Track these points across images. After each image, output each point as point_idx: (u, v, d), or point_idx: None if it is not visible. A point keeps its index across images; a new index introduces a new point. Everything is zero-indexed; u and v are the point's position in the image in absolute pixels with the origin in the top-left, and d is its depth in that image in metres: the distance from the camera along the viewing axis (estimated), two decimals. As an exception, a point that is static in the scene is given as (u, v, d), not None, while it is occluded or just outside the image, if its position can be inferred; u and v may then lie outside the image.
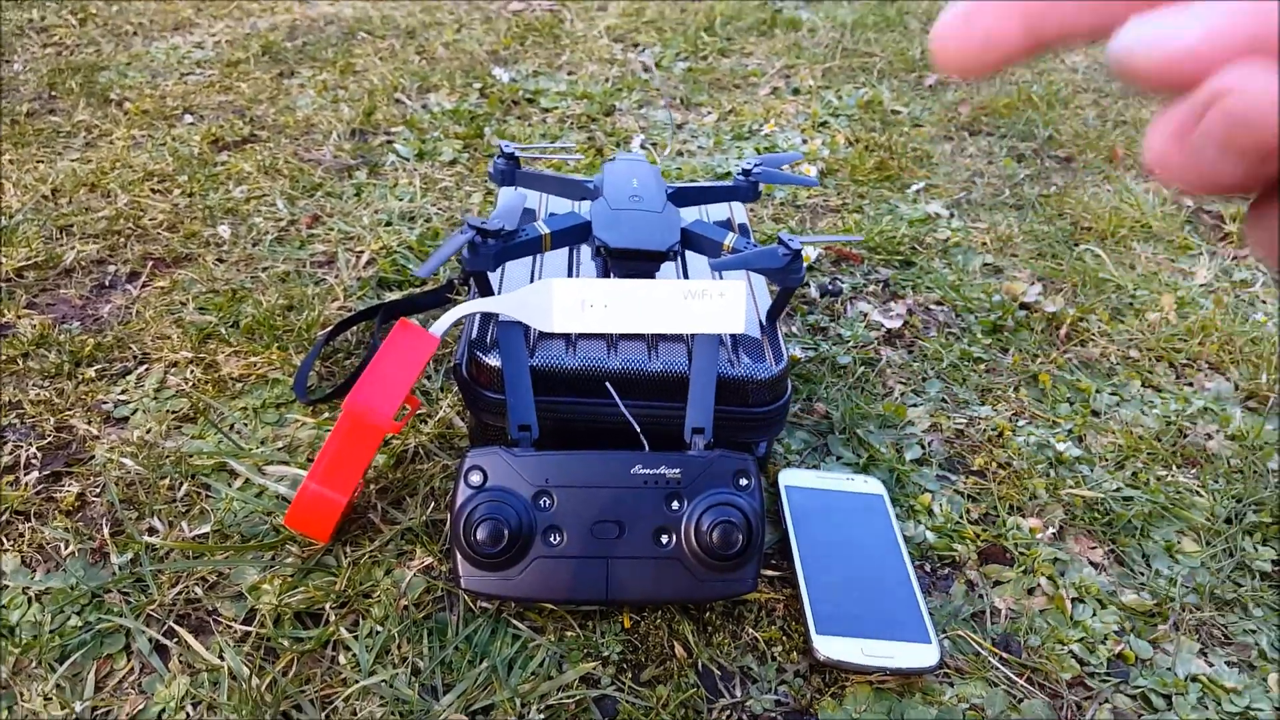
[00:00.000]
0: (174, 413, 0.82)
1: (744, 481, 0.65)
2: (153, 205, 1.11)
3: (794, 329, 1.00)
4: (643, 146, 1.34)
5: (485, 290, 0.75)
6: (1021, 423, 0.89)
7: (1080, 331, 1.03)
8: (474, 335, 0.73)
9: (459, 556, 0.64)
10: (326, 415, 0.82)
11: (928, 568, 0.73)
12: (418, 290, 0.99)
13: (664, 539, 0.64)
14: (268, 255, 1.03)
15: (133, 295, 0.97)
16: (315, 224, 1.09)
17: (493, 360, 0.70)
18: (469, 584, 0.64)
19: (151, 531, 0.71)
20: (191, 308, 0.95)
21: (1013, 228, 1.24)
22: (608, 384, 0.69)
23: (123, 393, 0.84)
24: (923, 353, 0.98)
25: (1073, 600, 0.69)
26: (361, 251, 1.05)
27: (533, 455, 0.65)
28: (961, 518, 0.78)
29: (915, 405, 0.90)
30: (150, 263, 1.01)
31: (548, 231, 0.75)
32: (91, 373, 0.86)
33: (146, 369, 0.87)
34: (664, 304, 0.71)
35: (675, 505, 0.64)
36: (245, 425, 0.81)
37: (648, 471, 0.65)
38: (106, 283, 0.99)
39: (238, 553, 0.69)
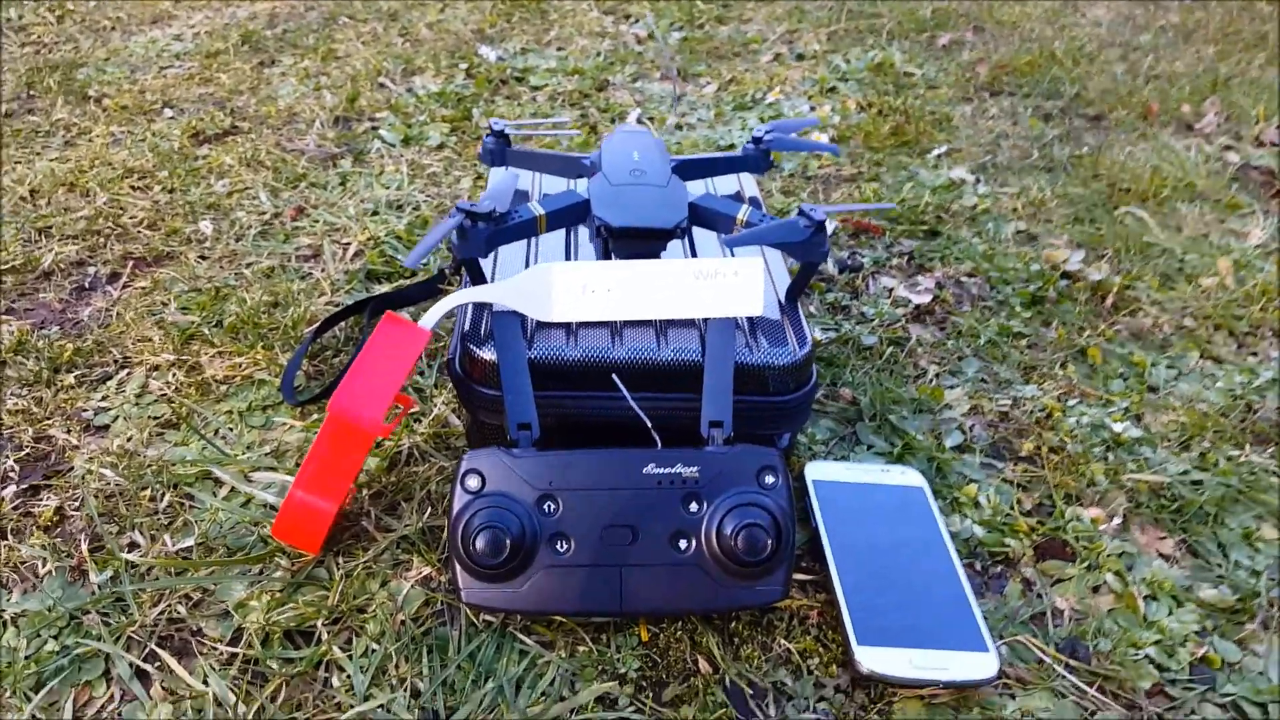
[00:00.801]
0: (156, 419, 0.76)
1: (769, 479, 0.59)
2: (133, 203, 1.05)
3: (812, 309, 0.93)
4: (640, 121, 1.27)
5: (477, 278, 0.69)
6: (1072, 402, 0.82)
7: (1128, 300, 0.96)
8: (466, 327, 0.67)
9: (458, 568, 0.57)
10: (315, 417, 0.76)
11: (978, 566, 0.67)
12: (408, 282, 0.92)
13: (682, 544, 0.58)
14: (251, 250, 0.97)
15: (113, 297, 0.91)
16: (300, 216, 1.03)
17: (487, 354, 0.64)
18: (470, 597, 0.57)
19: (132, 546, 0.65)
20: (173, 307, 0.89)
21: (1045, 192, 1.17)
22: (614, 376, 0.62)
23: (103, 399, 0.79)
24: (956, 329, 0.91)
25: (1144, 598, 0.63)
26: (348, 243, 0.98)
27: (534, 456, 0.59)
28: (1013, 509, 0.71)
29: (952, 387, 0.83)
30: (130, 262, 0.96)
31: (543, 212, 0.69)
32: (71, 379, 0.80)
33: (128, 373, 0.81)
34: (673, 286, 0.64)
35: (694, 507, 0.58)
36: (230, 430, 0.75)
37: (662, 471, 0.58)
38: (86, 284, 0.93)
39: (223, 567, 0.63)
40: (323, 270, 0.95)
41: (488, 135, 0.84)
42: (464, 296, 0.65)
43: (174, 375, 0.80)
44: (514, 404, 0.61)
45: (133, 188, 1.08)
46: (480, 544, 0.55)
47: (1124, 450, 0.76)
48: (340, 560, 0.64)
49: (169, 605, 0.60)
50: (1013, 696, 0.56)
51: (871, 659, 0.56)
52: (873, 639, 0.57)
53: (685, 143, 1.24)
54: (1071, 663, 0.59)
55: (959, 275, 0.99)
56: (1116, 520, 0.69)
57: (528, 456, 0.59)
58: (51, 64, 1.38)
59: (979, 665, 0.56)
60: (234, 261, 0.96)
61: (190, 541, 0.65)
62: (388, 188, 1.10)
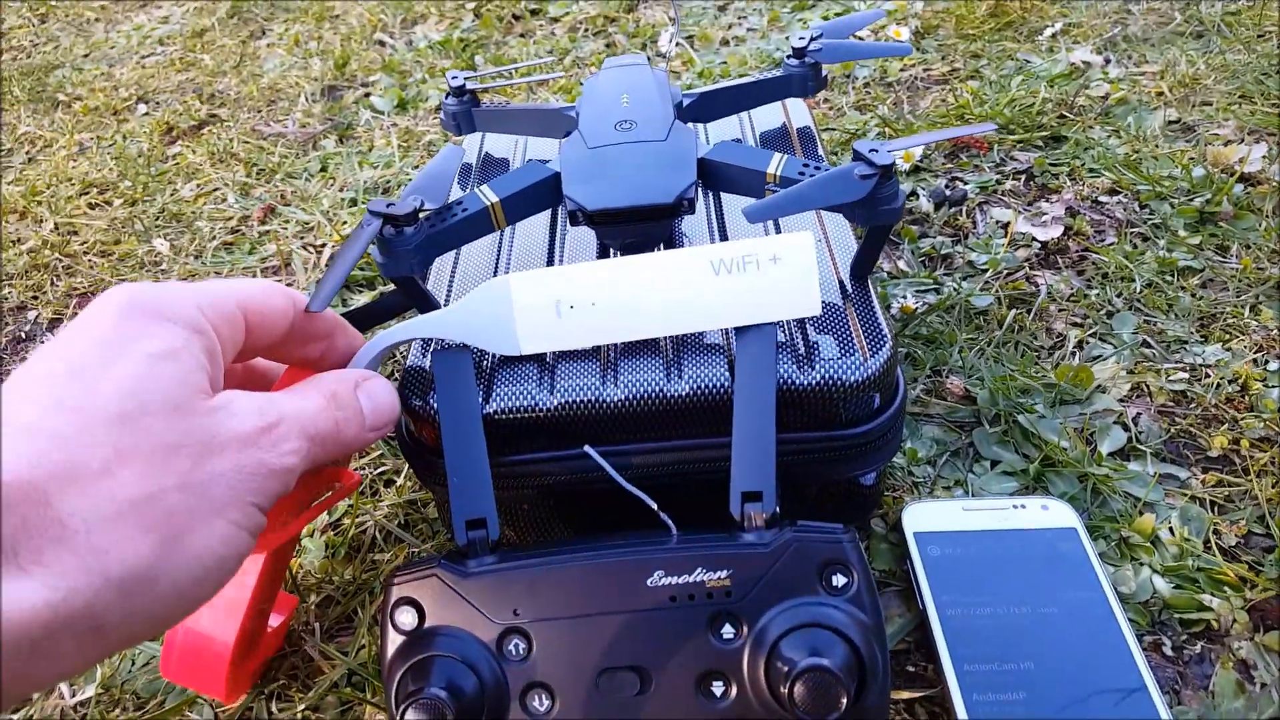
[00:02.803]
0: (78, 510, 0.62)
1: (839, 579, 0.39)
2: (87, 225, 0.91)
3: (901, 263, 0.71)
4: (675, 42, 1.04)
5: (419, 302, 0.50)
6: (1275, 365, 0.58)
7: (1338, 202, 0.70)
8: (410, 372, 0.49)
9: (402, 740, 0.40)
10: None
11: (1167, 646, 0.45)
12: (389, 289, 0.75)
13: (716, 688, 0.39)
14: (210, 268, 0.82)
15: (55, 346, 0.77)
16: (269, 217, 0.87)
17: (436, 409, 0.46)
18: (423, 781, 0.40)
19: (24, 700, 0.51)
20: (116, 355, 0.74)
21: (1197, 65, 0.89)
22: (588, 448, 0.43)
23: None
24: (1100, 272, 0.67)
25: None
26: (322, 245, 0.81)
27: (492, 572, 0.41)
28: (1209, 545, 0.49)
29: (1102, 358, 0.61)
30: (75, 300, 0.81)
31: (496, 199, 0.49)
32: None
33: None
34: (684, 289, 0.44)
35: (728, 632, 0.39)
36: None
37: (675, 580, 0.39)
38: (24, 334, 0.79)
39: (127, 730, 0.48)
40: (291, 284, 0.78)
41: (447, 96, 0.65)
42: (393, 336, 0.46)
43: (105, 446, 0.66)
44: (461, 490, 0.43)
45: (90, 206, 0.94)
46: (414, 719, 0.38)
47: (1374, 438, 0.53)
48: (274, 708, 0.48)
49: (49, 795, 0.46)
50: None
51: None
52: (1022, 819, 0.37)
53: (733, 59, 1.01)
54: (1349, 829, 0.37)
55: (1096, 194, 0.75)
56: (1384, 562, 0.46)
57: (483, 573, 0.41)
58: (25, 70, 1.26)
59: None
60: (190, 285, 0.81)
61: (91, 691, 0.50)
62: (375, 167, 0.92)
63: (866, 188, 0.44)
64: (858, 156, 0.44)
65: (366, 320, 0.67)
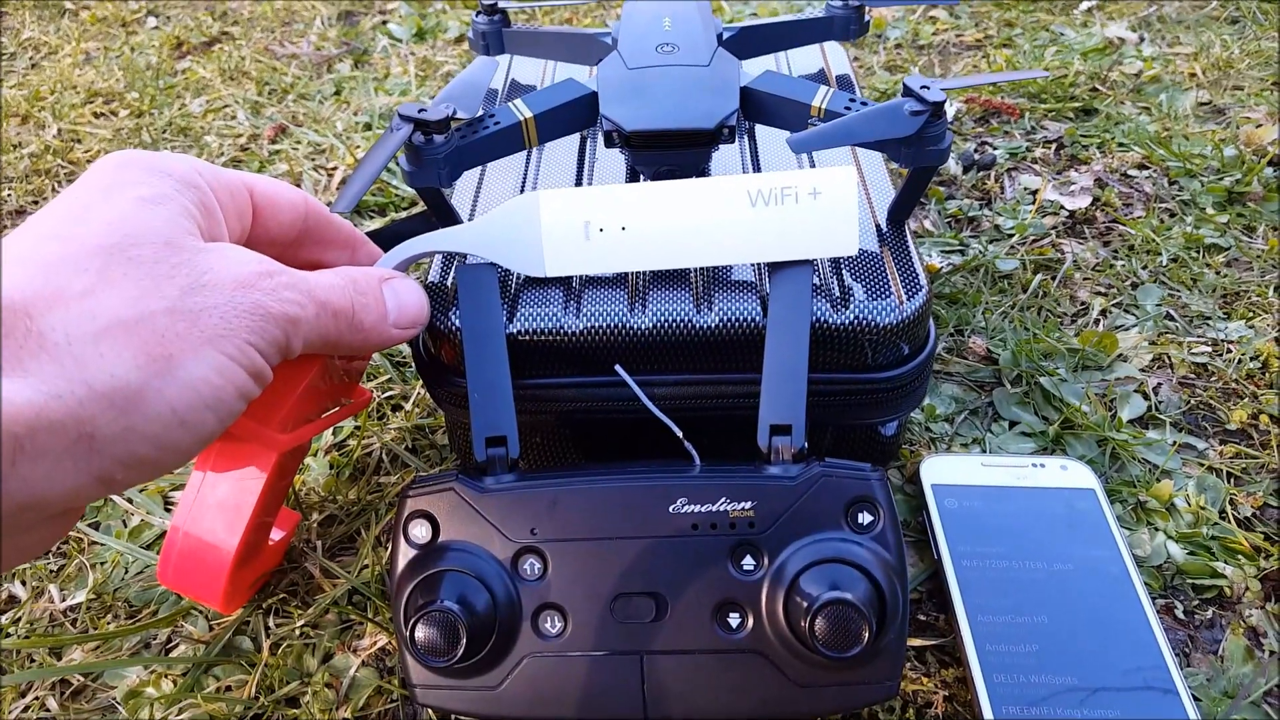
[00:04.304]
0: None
1: (865, 517, 0.38)
2: (91, 133, 0.88)
3: (927, 223, 0.70)
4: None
5: (443, 217, 0.49)
6: (1301, 345, 0.58)
7: (1368, 190, 0.69)
8: (429, 289, 0.48)
9: (408, 656, 0.40)
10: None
11: (1179, 609, 0.45)
12: (403, 216, 0.73)
13: (733, 619, 0.38)
14: (218, 184, 0.80)
15: (54, 253, 0.75)
16: (280, 137, 0.84)
17: (457, 326, 0.45)
18: (426, 698, 0.40)
19: (11, 602, 0.50)
20: (118, 264, 0.72)
21: (1231, 49, 0.88)
22: (618, 367, 0.42)
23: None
24: (1127, 244, 0.67)
25: None
26: (334, 168, 0.79)
27: (510, 489, 0.40)
28: (1225, 515, 0.49)
29: (1126, 328, 0.60)
30: (77, 208, 0.79)
31: (530, 114, 0.48)
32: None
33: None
34: (718, 218, 0.43)
35: (749, 563, 0.38)
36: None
37: (698, 509, 0.38)
38: (24, 239, 0.77)
39: (117, 636, 0.47)
40: (299, 205, 0.76)
41: (477, 14, 0.63)
42: (414, 247, 0.45)
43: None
44: (482, 406, 0.42)
45: (95, 114, 0.91)
46: (423, 634, 0.37)
47: (1397, 421, 0.52)
48: (271, 623, 0.47)
49: (39, 698, 0.45)
50: None
51: (1033, 802, 0.36)
52: (1034, 765, 0.37)
53: (763, 10, 0.99)
54: (1358, 795, 0.37)
55: (1125, 167, 0.74)
56: (1404, 541, 0.46)
57: (501, 490, 0.40)
58: (29, -25, 1.22)
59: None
60: (196, 200, 0.79)
61: (82, 596, 0.49)
62: (390, 94, 0.90)
63: (916, 124, 0.42)
64: (908, 92, 0.43)
65: (379, 245, 0.66)
